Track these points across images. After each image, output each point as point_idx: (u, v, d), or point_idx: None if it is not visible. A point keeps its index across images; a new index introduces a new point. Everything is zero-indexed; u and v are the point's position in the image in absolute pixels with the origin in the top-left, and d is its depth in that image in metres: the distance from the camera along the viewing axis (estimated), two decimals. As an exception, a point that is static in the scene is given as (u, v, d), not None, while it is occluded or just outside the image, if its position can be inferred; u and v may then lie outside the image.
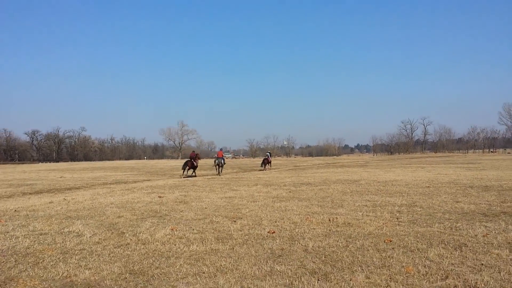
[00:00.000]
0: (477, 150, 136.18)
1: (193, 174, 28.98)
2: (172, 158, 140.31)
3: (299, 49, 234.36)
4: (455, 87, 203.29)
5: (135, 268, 5.63)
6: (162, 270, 5.49)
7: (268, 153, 40.87)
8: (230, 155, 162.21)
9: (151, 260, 6.00)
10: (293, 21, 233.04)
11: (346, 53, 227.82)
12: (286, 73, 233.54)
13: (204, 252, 6.37)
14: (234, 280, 5.01)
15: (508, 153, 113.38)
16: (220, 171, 29.66)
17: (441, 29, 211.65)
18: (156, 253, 6.38)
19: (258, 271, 5.31)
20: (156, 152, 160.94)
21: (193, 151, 30.65)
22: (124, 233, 7.96)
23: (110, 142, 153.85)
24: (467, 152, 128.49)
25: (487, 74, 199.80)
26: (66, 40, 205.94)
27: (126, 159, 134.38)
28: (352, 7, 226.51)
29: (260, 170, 37.49)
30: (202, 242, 6.97)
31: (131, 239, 7.38)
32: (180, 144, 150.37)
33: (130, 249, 6.67)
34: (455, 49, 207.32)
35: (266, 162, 38.06)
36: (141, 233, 7.84)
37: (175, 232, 7.90)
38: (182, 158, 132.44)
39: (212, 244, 6.85)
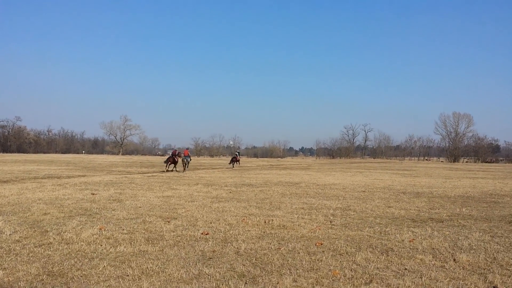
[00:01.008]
0: (413, 158, 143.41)
1: (174, 169, 32.18)
2: (113, 153, 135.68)
3: (248, 50, 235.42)
4: (396, 96, 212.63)
5: (54, 269, 5.29)
6: (83, 272, 5.18)
7: (237, 152, 45.07)
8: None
9: (73, 261, 5.66)
10: (244, 21, 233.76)
11: (296, 56, 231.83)
12: (235, 73, 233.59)
13: (132, 253, 6.11)
14: (159, 283, 4.82)
15: (441, 161, 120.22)
16: (186, 167, 32.07)
17: (384, 38, 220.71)
18: (79, 254, 6.04)
19: (186, 274, 5.16)
20: (96, 146, 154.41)
21: (175, 150, 33.70)
22: (47, 231, 7.50)
23: (47, 134, 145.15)
24: (404, 159, 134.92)
25: (426, 85, 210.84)
26: (5, 25, 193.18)
27: (63, 153, 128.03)
28: (297, 10, 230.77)
29: (228, 168, 40.51)
30: (131, 243, 6.70)
31: (54, 238, 6.96)
32: (122, 139, 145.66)
33: (52, 249, 6.27)
34: (397, 59, 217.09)
35: (234, 160, 41.86)
36: (66, 232, 7.41)
37: (103, 232, 7.55)
38: (123, 154, 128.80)
39: (141, 245, 6.59)
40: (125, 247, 6.46)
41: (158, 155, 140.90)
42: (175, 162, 31.40)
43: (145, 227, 8.07)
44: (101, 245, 6.54)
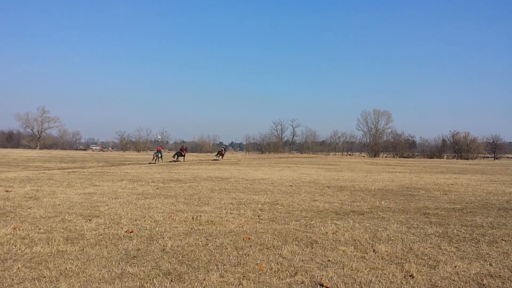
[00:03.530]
0: (337, 153, 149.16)
1: (182, 159, 41.80)
2: (29, 147, 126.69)
3: (175, 43, 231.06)
4: (322, 92, 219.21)
5: (-40, 274, 4.83)
6: (-5, 276, 4.80)
7: (223, 147, 53.24)
8: (97, 147, 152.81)
9: (-18, 264, 5.21)
10: (166, 14, 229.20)
11: (225, 51, 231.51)
12: (162, 65, 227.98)
13: (49, 254, 5.75)
14: (79, 284, 4.58)
15: (363, 156, 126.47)
16: (156, 161, 38.01)
17: (311, 35, 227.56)
18: (-10, 256, 5.58)
19: (108, 274, 4.94)
20: (11, 140, 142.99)
21: (183, 146, 44.52)
22: (-48, 233, 6.84)
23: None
24: (329, 154, 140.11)
25: (349, 84, 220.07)
26: None
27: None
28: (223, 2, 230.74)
29: (214, 159, 47.75)
30: (48, 243, 6.30)
31: (-40, 241, 6.37)
32: (40, 132, 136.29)
33: (-42, 252, 5.74)
34: (323, 56, 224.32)
35: (219, 154, 48.49)
36: (-26, 233, 6.81)
37: (17, 231, 7.04)
38: (40, 148, 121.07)
39: (59, 245, 6.22)
40: (41, 247, 6.06)
41: (80, 149, 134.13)
42: (182, 155, 41.56)
43: (64, 226, 7.63)
44: (15, 246, 6.10)
